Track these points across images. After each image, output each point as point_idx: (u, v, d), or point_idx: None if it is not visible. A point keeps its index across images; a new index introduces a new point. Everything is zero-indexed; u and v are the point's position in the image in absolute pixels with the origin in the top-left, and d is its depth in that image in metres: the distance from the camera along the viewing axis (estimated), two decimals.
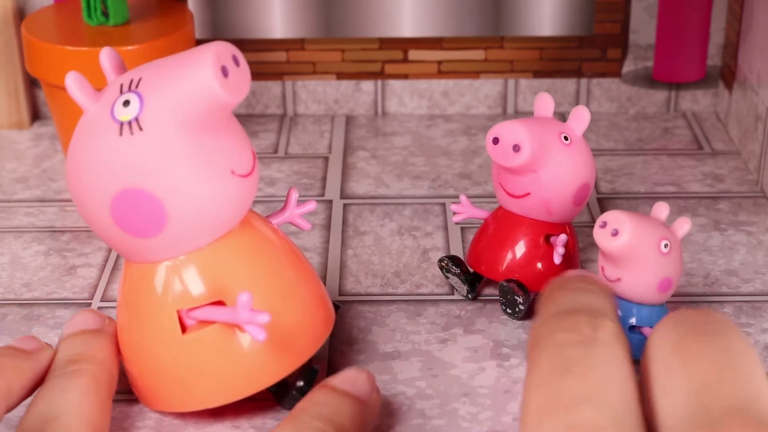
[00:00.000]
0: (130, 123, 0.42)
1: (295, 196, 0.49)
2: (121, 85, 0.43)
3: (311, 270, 0.48)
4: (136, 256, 0.45)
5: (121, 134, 0.42)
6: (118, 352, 0.46)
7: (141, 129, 0.42)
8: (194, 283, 0.44)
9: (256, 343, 0.44)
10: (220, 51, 0.41)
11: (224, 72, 0.41)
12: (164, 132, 0.42)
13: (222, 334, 0.44)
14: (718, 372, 0.30)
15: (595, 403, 0.30)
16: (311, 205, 0.49)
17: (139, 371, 0.46)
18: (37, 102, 0.73)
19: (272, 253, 0.46)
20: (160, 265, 0.44)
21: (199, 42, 0.72)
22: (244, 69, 0.42)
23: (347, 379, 0.44)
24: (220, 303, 0.44)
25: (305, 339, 0.46)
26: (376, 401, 0.44)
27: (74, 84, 0.43)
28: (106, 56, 0.45)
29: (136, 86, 0.42)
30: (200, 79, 0.41)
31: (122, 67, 0.45)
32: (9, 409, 0.43)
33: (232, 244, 0.45)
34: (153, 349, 0.45)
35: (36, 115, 0.74)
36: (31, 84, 0.73)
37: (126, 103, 0.42)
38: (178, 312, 0.45)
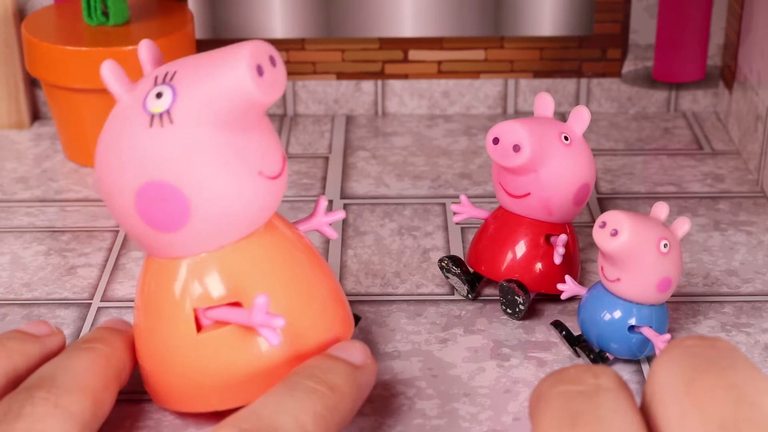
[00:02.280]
0: (161, 115, 0.41)
1: (324, 203, 0.48)
2: (156, 77, 0.42)
3: (331, 274, 0.47)
4: (157, 250, 0.44)
5: (151, 126, 0.42)
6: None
7: (171, 122, 0.41)
8: (213, 283, 0.44)
9: (272, 345, 0.44)
10: (256, 50, 0.41)
11: (259, 71, 0.41)
12: (194, 127, 0.41)
13: (238, 336, 0.44)
14: (734, 412, 0.30)
15: None
16: (340, 214, 0.49)
17: (152, 367, 0.45)
18: (37, 102, 0.73)
19: (294, 256, 0.45)
20: (180, 262, 0.44)
21: (199, 42, 0.72)
22: (280, 69, 0.42)
23: (340, 347, 0.45)
24: (237, 304, 0.44)
25: (324, 343, 0.45)
26: (370, 368, 0.44)
27: (110, 73, 0.43)
28: (144, 48, 0.44)
29: (171, 79, 0.42)
30: (235, 77, 0.40)
31: (160, 60, 0.45)
32: None
33: (255, 245, 0.44)
34: (167, 345, 0.44)
35: (36, 115, 0.74)
36: (31, 84, 0.73)
37: (159, 95, 0.42)
38: (195, 311, 0.44)
